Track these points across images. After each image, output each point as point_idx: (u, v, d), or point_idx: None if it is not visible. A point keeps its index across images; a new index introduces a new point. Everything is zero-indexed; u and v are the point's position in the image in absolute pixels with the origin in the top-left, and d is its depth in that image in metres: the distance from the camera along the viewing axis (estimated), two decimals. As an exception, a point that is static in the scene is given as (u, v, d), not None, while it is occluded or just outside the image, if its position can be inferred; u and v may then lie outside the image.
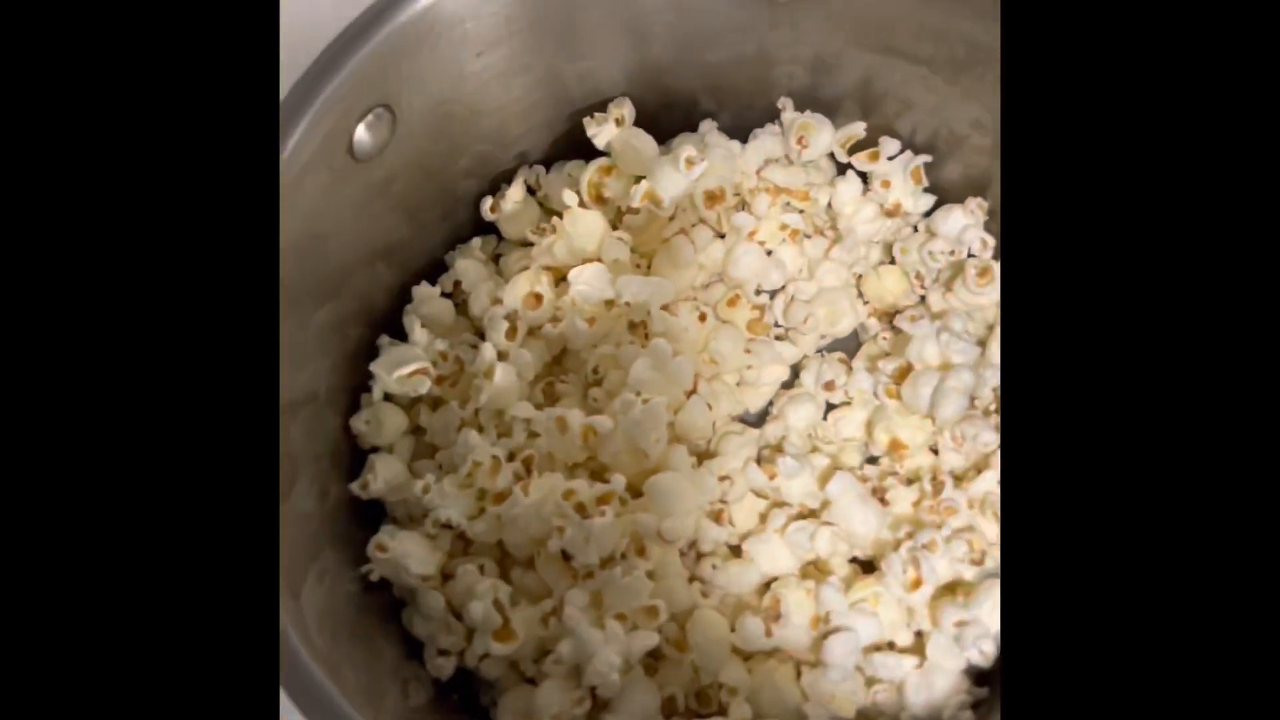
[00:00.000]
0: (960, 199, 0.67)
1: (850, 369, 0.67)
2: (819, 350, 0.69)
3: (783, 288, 0.69)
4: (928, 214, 0.69)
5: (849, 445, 0.65)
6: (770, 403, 0.67)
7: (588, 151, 0.67)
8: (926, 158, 0.67)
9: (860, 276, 0.70)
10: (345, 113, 0.55)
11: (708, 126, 0.69)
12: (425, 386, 0.62)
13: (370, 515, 0.63)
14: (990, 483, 0.60)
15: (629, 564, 0.57)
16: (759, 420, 0.67)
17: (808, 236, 0.70)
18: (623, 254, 0.65)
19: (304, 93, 0.53)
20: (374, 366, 0.62)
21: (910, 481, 0.63)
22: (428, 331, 0.64)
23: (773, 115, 0.69)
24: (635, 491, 0.60)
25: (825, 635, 0.57)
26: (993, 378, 0.62)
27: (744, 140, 0.70)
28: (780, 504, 0.62)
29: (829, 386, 0.66)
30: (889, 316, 0.69)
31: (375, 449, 0.63)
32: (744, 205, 0.69)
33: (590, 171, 0.67)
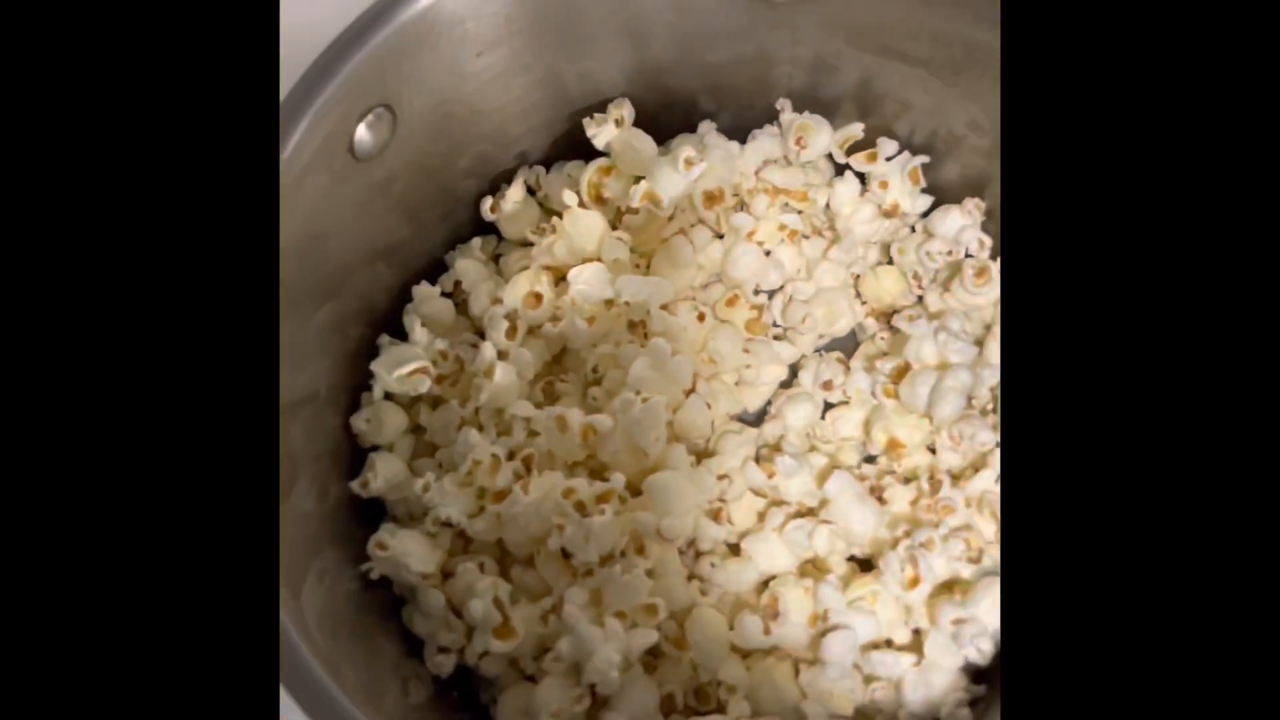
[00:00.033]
0: (958, 199, 0.68)
1: (848, 369, 0.67)
2: (817, 350, 0.69)
3: (781, 288, 0.69)
4: (925, 214, 0.69)
5: (847, 444, 0.65)
6: (768, 402, 0.68)
7: (587, 152, 0.67)
8: (924, 158, 0.68)
9: (858, 277, 0.70)
10: (346, 113, 0.55)
11: (707, 127, 0.70)
12: (425, 385, 0.62)
13: (370, 514, 0.63)
14: (987, 481, 0.60)
15: (628, 562, 0.57)
16: (757, 419, 0.67)
17: (806, 237, 0.70)
18: (622, 254, 0.66)
19: (304, 93, 0.53)
20: (374, 366, 0.62)
21: (908, 480, 0.63)
22: (428, 331, 0.64)
23: (771, 116, 0.70)
24: (634, 490, 0.60)
25: (823, 633, 0.57)
26: (990, 377, 0.62)
27: (743, 141, 0.70)
28: (778, 503, 0.63)
29: (827, 386, 0.66)
30: (887, 316, 0.69)
31: (375, 448, 0.64)
32: (743, 206, 0.69)
33: (590, 172, 0.67)
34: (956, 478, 0.62)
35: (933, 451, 0.64)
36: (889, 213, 0.68)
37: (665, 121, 0.68)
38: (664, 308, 0.63)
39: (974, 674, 0.58)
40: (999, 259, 0.66)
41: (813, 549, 0.60)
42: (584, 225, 0.65)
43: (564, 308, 0.65)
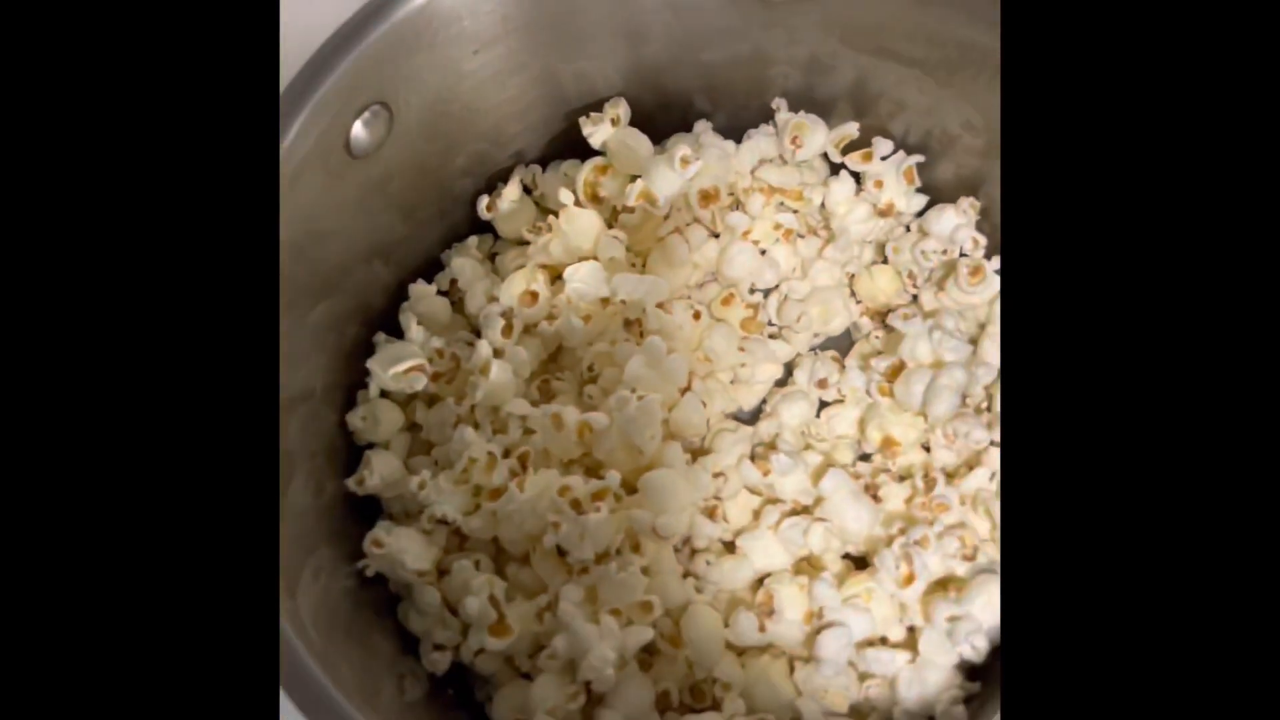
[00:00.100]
0: (952, 199, 0.68)
1: (843, 367, 0.67)
2: (812, 348, 0.70)
3: (776, 286, 0.70)
4: (920, 214, 0.70)
5: (842, 442, 0.66)
6: (764, 400, 0.68)
7: (583, 151, 0.67)
8: (919, 158, 0.68)
9: (853, 276, 0.70)
10: (342, 110, 0.55)
11: (703, 126, 0.70)
12: (421, 383, 0.62)
13: (366, 511, 0.63)
14: (982, 479, 0.61)
15: (624, 560, 0.58)
16: (753, 418, 0.67)
17: (801, 236, 0.70)
18: (618, 252, 0.66)
19: (300, 89, 0.53)
20: (370, 363, 0.62)
21: (903, 478, 0.63)
22: (424, 329, 0.65)
23: (767, 115, 0.70)
24: (630, 488, 0.60)
25: (818, 630, 0.57)
26: (985, 375, 0.62)
27: (738, 140, 0.70)
28: (774, 500, 0.63)
29: (822, 384, 0.66)
30: (882, 315, 0.69)
31: (371, 445, 0.64)
32: (738, 205, 0.69)
33: (586, 171, 0.67)
34: (951, 475, 0.62)
35: (927, 449, 0.64)
36: (884, 212, 0.69)
37: (661, 121, 0.68)
38: (660, 306, 0.63)
39: (969, 671, 0.58)
40: (993, 258, 0.66)
41: (808, 547, 0.60)
42: (580, 224, 0.65)
43: (560, 306, 0.65)
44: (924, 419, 0.63)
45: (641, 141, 0.66)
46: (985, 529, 0.60)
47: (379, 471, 0.61)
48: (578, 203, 0.66)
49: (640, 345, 0.62)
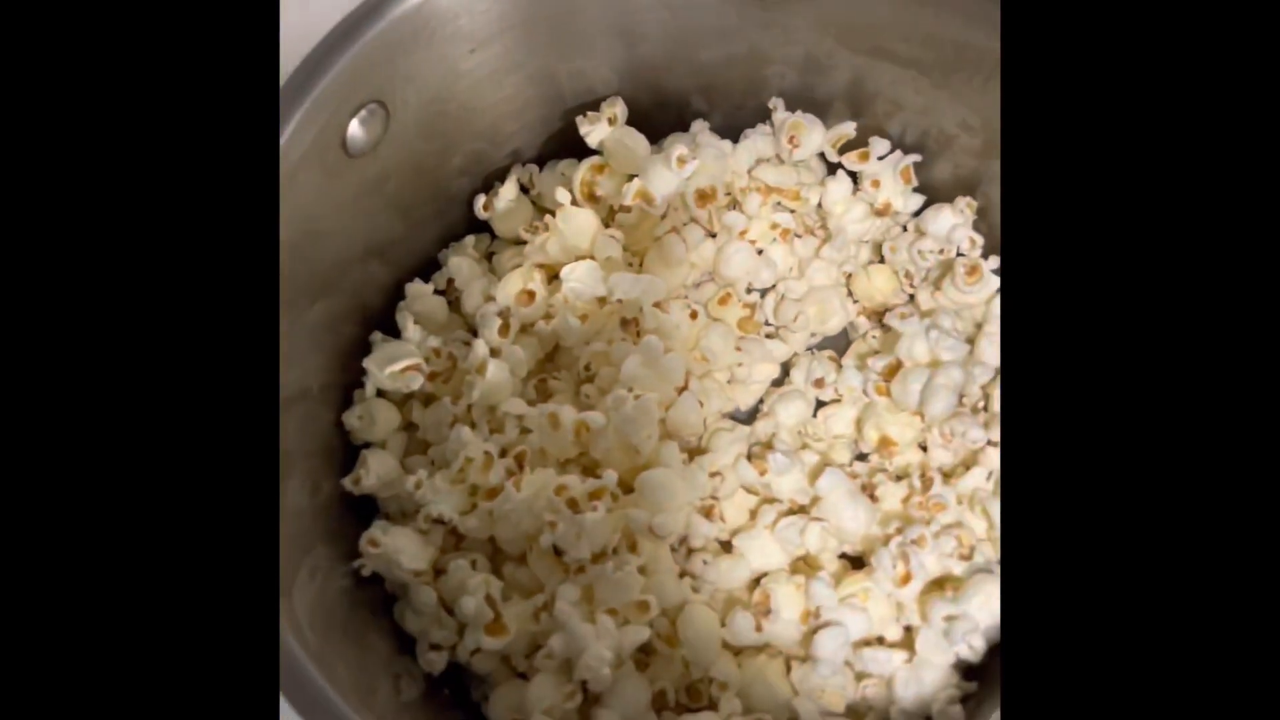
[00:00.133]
0: (949, 198, 0.68)
1: (840, 367, 0.67)
2: (809, 348, 0.70)
3: (773, 286, 0.70)
4: (917, 213, 0.70)
5: (839, 442, 0.66)
6: (761, 400, 0.68)
7: (580, 150, 0.67)
8: (916, 157, 0.68)
9: (850, 275, 0.70)
10: (338, 108, 0.55)
11: (699, 126, 0.70)
12: (418, 383, 0.62)
13: (362, 511, 0.63)
14: (979, 479, 0.61)
15: (620, 559, 0.58)
16: (749, 417, 0.67)
17: (798, 235, 0.70)
18: (615, 252, 0.66)
19: (297, 87, 0.53)
20: (367, 362, 0.62)
21: (899, 478, 0.63)
22: (420, 328, 0.64)
23: (764, 115, 0.70)
24: (627, 487, 0.60)
25: (815, 630, 0.57)
26: (981, 375, 0.62)
27: (735, 140, 0.70)
28: (770, 500, 0.63)
29: (819, 384, 0.66)
30: (878, 315, 0.69)
31: (368, 445, 0.64)
32: (735, 204, 0.70)
33: (583, 170, 0.67)
34: (948, 475, 0.62)
35: (924, 449, 0.64)
36: (881, 211, 0.69)
37: (658, 120, 0.68)
38: (657, 305, 0.63)
39: (965, 671, 0.58)
40: (990, 257, 0.66)
41: (804, 546, 0.60)
42: (577, 223, 0.65)
43: (556, 305, 0.65)
44: (921, 418, 0.63)
45: (638, 141, 0.66)
46: (982, 528, 0.60)
47: (375, 471, 0.61)
48: (574, 202, 0.66)
49: (637, 345, 0.62)
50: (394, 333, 0.65)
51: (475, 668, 0.59)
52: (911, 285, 0.69)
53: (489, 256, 0.71)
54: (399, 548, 0.58)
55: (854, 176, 0.70)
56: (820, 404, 0.67)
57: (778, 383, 0.68)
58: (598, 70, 0.66)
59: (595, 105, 0.67)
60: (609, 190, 0.67)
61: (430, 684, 0.60)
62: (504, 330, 0.64)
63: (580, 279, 0.63)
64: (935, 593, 0.58)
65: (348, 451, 0.63)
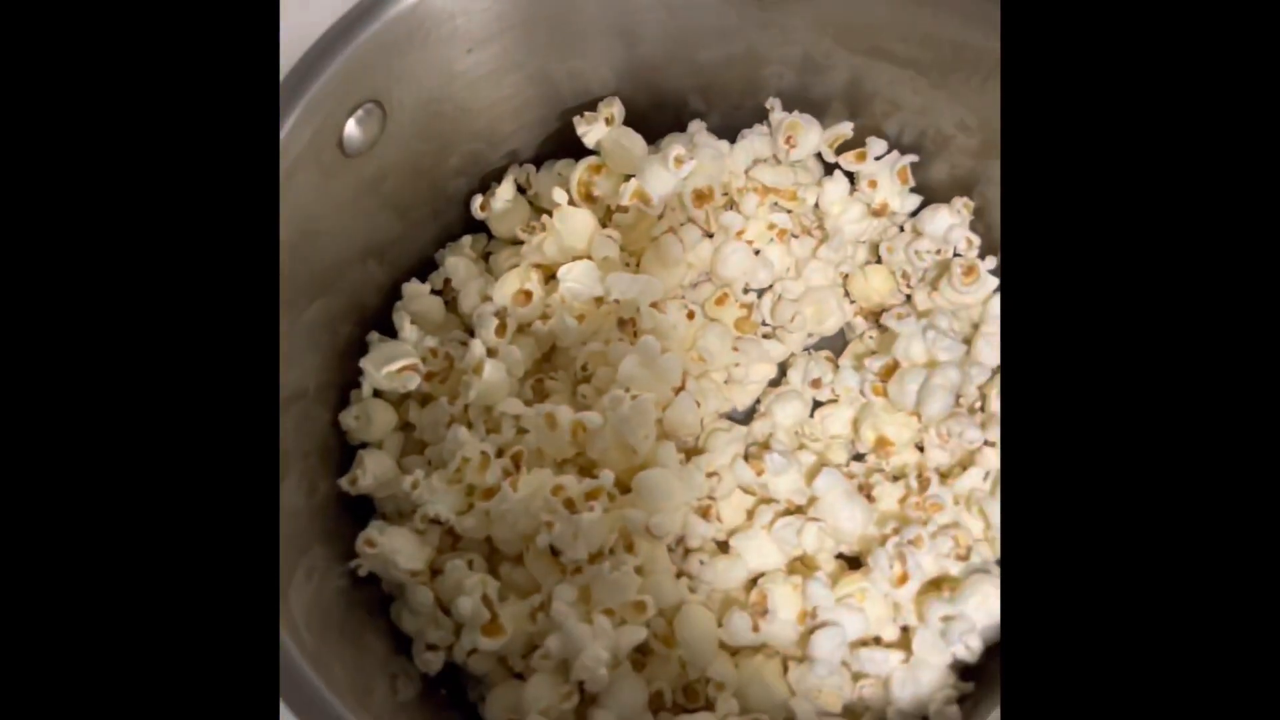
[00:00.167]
0: (946, 199, 0.68)
1: (837, 367, 0.67)
2: (806, 348, 0.70)
3: (770, 286, 0.70)
4: (914, 213, 0.70)
5: (835, 442, 0.66)
6: (758, 400, 0.68)
7: (577, 150, 0.67)
8: (913, 158, 0.68)
9: (847, 275, 0.70)
10: (335, 108, 0.55)
11: (697, 126, 0.70)
12: (414, 383, 0.62)
13: (359, 511, 0.63)
14: (975, 479, 0.61)
15: (617, 559, 0.57)
16: (746, 417, 0.67)
17: (795, 236, 0.70)
18: (612, 252, 0.66)
19: (294, 87, 0.53)
20: (364, 363, 0.62)
21: (896, 478, 0.63)
22: (417, 328, 0.64)
23: (761, 116, 0.70)
24: (624, 487, 0.60)
25: (812, 630, 0.57)
26: (978, 375, 0.62)
27: (733, 140, 0.70)
28: (767, 500, 0.63)
29: (816, 384, 0.66)
30: (875, 315, 0.70)
31: (364, 445, 0.64)
32: (732, 204, 0.69)
33: (580, 170, 0.67)
34: (945, 475, 0.62)
35: (921, 449, 0.64)
36: (878, 212, 0.69)
37: (655, 120, 0.68)
38: (654, 306, 0.63)
39: (962, 671, 0.58)
40: (987, 257, 0.66)
41: (801, 546, 0.60)
42: (574, 223, 0.65)
43: (554, 305, 0.65)
44: (918, 419, 0.63)
45: (636, 141, 0.66)
46: (979, 529, 0.60)
47: (372, 471, 0.61)
48: (572, 202, 0.66)
49: (634, 345, 0.62)
50: (391, 333, 0.65)
51: (472, 668, 0.59)
52: (908, 285, 0.69)
53: (486, 257, 0.71)
54: (396, 548, 0.58)
55: (851, 177, 0.70)
56: (817, 404, 0.67)
57: (775, 383, 0.68)
58: (595, 70, 0.66)
59: (593, 105, 0.67)
60: (606, 190, 0.67)
61: (427, 684, 0.60)
62: (501, 330, 0.64)
63: (577, 279, 0.63)
64: (932, 593, 0.58)
65: (344, 451, 0.63)
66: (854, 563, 0.62)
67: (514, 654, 0.59)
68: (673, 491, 0.59)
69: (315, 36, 0.54)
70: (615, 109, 0.66)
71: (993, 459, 0.61)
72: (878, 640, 0.59)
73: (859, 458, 0.66)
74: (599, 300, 0.64)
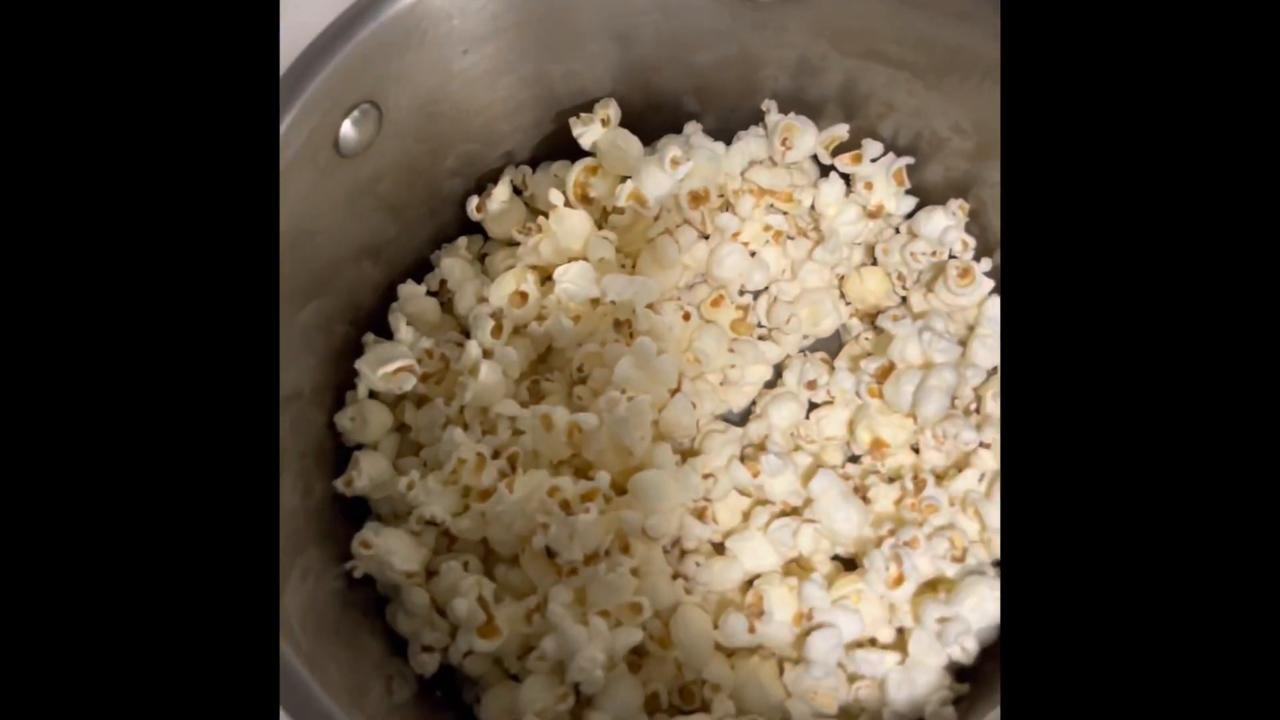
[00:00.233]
0: (941, 201, 0.68)
1: (832, 368, 0.67)
2: (801, 350, 0.70)
3: (766, 288, 0.70)
4: (909, 215, 0.70)
5: (831, 444, 0.66)
6: (753, 402, 0.68)
7: (573, 151, 0.67)
8: (909, 160, 0.68)
9: (842, 277, 0.70)
10: (331, 108, 0.55)
11: (693, 128, 0.70)
12: (410, 384, 0.62)
13: (354, 512, 0.63)
14: (971, 481, 0.61)
15: (613, 561, 0.57)
16: (742, 419, 0.67)
17: (791, 238, 0.70)
18: (608, 253, 0.66)
19: (289, 87, 0.53)
20: (359, 364, 0.62)
21: (892, 479, 0.63)
22: (413, 329, 0.64)
23: (757, 117, 0.70)
24: (619, 489, 0.60)
25: (808, 632, 0.57)
26: (974, 377, 0.62)
27: (728, 142, 0.70)
28: (763, 502, 0.63)
29: (811, 386, 0.66)
30: (871, 317, 0.70)
31: (360, 446, 0.63)
32: (728, 206, 0.70)
33: (576, 171, 0.67)
34: (940, 477, 0.62)
35: (916, 451, 0.64)
36: (873, 214, 0.69)
37: (651, 122, 0.68)
38: (649, 307, 0.63)
39: (958, 672, 0.58)
40: (982, 259, 0.66)
41: (797, 548, 0.60)
42: (570, 225, 0.65)
43: (549, 307, 0.65)
44: (913, 420, 0.63)
45: (631, 142, 0.66)
46: (974, 530, 0.60)
47: (367, 472, 0.60)
48: (568, 203, 0.66)
49: (630, 346, 0.62)
50: (386, 334, 0.65)
51: (467, 670, 0.59)
52: (904, 287, 0.69)
53: (482, 258, 0.71)
54: (391, 549, 0.58)
55: (847, 179, 0.70)
56: (813, 406, 0.67)
57: (770, 384, 0.69)
58: (591, 72, 0.66)
59: (589, 107, 0.67)
60: (602, 192, 0.67)
61: (422, 686, 0.60)
62: (497, 331, 0.64)
63: (573, 280, 0.63)
64: (928, 594, 0.58)
65: (340, 453, 0.63)
66: (850, 564, 0.62)
67: (510, 656, 0.58)
68: (669, 493, 0.59)
69: (311, 37, 0.54)
70: (611, 110, 0.66)
71: (988, 461, 0.61)
72: (873, 642, 0.59)
73: (854, 459, 0.66)
74: (595, 302, 0.64)
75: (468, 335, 0.65)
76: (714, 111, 0.70)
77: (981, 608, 0.57)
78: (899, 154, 0.68)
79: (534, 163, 0.70)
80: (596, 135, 0.66)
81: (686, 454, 0.64)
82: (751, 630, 0.57)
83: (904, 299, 0.69)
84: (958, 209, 0.67)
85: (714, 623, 0.59)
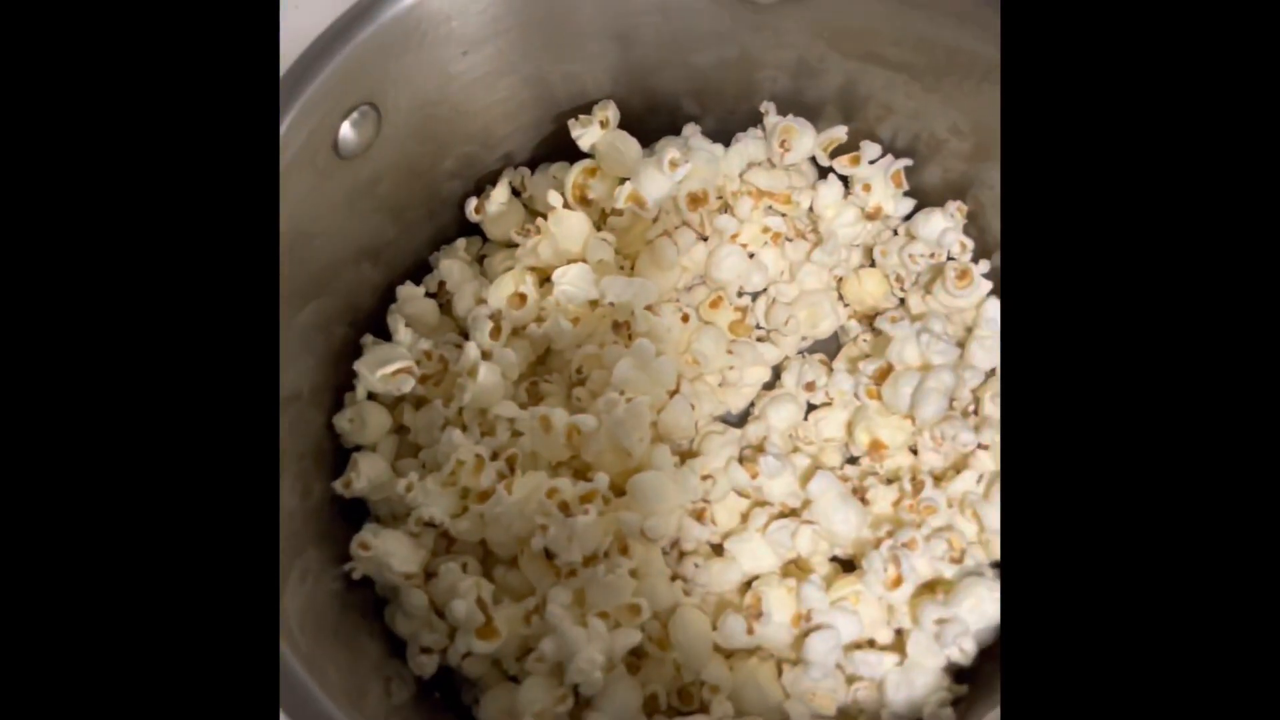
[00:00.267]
0: (940, 202, 0.68)
1: (831, 370, 0.68)
2: (800, 351, 0.70)
3: (764, 290, 0.70)
4: (908, 217, 0.70)
5: (829, 445, 0.66)
6: (752, 403, 0.68)
7: (572, 153, 0.67)
8: (907, 162, 0.68)
9: (841, 279, 0.70)
10: (330, 110, 0.55)
11: (691, 130, 0.70)
12: (409, 385, 0.62)
13: (353, 514, 0.63)
14: (969, 482, 0.61)
15: (612, 562, 0.57)
16: (741, 420, 0.67)
17: (789, 239, 0.70)
18: (607, 255, 0.66)
19: (289, 89, 0.53)
20: (358, 365, 0.62)
21: (890, 481, 0.63)
22: (412, 331, 0.64)
23: (755, 119, 0.70)
24: (618, 490, 0.60)
25: (806, 633, 0.57)
26: (972, 378, 0.62)
27: (727, 143, 0.70)
28: (762, 503, 0.63)
29: (810, 387, 0.66)
30: (869, 318, 0.70)
31: (358, 447, 0.63)
32: (727, 208, 0.70)
33: (575, 173, 0.67)
34: (938, 478, 0.62)
35: (915, 452, 0.64)
36: (872, 215, 0.69)
37: (650, 124, 0.69)
38: (648, 308, 0.63)
39: (956, 674, 0.58)
40: (980, 261, 0.66)
41: (796, 549, 0.60)
42: (569, 226, 0.65)
43: (548, 308, 0.65)
44: (911, 422, 0.63)
45: (630, 144, 0.66)
46: (973, 532, 0.60)
47: (366, 474, 0.60)
48: (566, 205, 0.66)
49: (629, 348, 0.62)
50: (385, 335, 0.65)
51: (466, 671, 0.59)
52: (902, 289, 0.69)
53: (480, 259, 0.71)
54: (390, 551, 0.58)
55: (845, 180, 0.70)
56: (811, 407, 0.67)
57: (769, 386, 0.69)
58: (590, 73, 0.66)
59: (587, 108, 0.67)
60: (601, 193, 0.67)
61: (421, 687, 0.60)
62: (495, 333, 0.64)
63: (572, 282, 0.63)
64: (926, 596, 0.58)
65: (338, 454, 0.63)
66: (848, 566, 0.62)
67: (508, 657, 0.58)
68: (667, 494, 0.59)
69: (311, 38, 0.54)
70: (610, 112, 0.66)
71: (986, 462, 0.61)
72: (872, 643, 0.59)
73: (853, 461, 0.66)
74: (594, 303, 0.64)
75: (466, 337, 0.65)
76: (713, 113, 0.71)
77: (980, 609, 0.57)
78: (897, 156, 0.68)
79: (533, 164, 0.70)
80: (595, 137, 0.66)
81: (685, 455, 0.64)
82: (750, 631, 0.58)
83: (902, 301, 0.69)
84: (956, 211, 0.67)
85: (713, 624, 0.59)
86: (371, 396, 0.64)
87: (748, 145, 0.70)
